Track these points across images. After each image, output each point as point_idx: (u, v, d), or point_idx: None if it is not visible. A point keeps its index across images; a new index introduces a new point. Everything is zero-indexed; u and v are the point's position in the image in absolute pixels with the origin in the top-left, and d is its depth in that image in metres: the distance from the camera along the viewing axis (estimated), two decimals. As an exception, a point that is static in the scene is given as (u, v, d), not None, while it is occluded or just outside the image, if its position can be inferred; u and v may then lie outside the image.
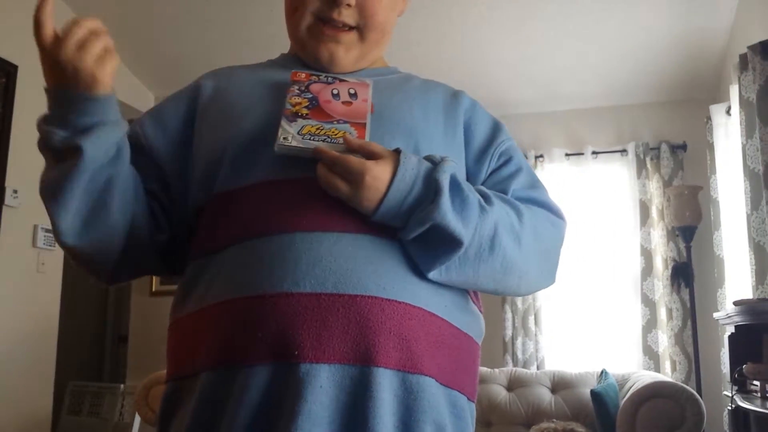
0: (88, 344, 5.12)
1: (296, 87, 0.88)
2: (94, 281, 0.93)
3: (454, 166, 0.82)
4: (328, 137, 0.82)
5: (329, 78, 0.90)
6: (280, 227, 0.79)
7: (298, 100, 0.86)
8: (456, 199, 0.79)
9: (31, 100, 3.48)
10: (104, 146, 0.80)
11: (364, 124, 0.85)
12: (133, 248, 0.88)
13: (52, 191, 0.80)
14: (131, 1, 3.58)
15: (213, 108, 0.93)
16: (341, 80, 0.90)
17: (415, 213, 0.78)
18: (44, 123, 0.79)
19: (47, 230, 3.56)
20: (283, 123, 0.82)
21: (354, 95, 0.88)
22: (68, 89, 0.77)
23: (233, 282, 0.79)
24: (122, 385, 3.99)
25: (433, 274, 0.81)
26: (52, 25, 0.77)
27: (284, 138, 0.81)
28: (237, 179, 0.84)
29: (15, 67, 3.40)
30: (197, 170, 0.90)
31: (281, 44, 1.04)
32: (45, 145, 0.80)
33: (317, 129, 0.82)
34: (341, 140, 0.81)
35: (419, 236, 0.79)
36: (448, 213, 0.77)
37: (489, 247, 0.82)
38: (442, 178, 0.78)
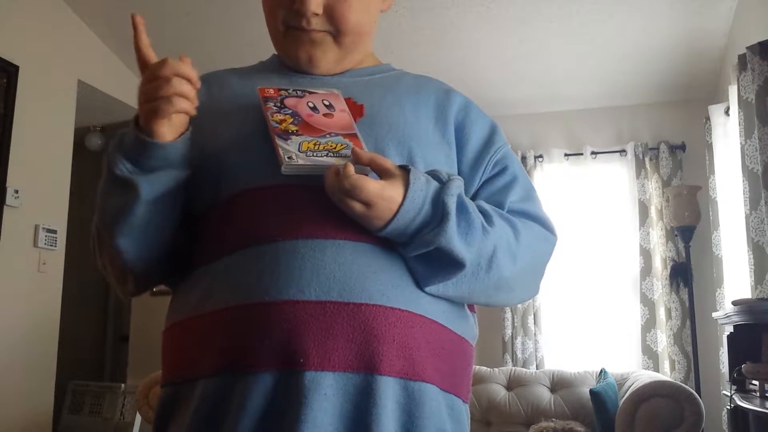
0: (89, 344, 5.13)
1: (272, 103, 0.86)
2: (122, 292, 0.95)
3: (461, 185, 0.83)
4: (330, 151, 0.81)
5: (298, 91, 0.89)
6: (283, 234, 0.80)
7: (281, 117, 0.84)
8: (462, 222, 0.80)
9: (31, 100, 3.49)
10: (160, 187, 0.83)
11: (356, 134, 0.84)
12: (167, 261, 0.91)
13: (111, 216, 0.84)
14: (132, 1, 3.59)
15: (207, 115, 0.91)
16: (311, 92, 0.89)
17: (421, 234, 0.79)
18: (117, 150, 0.83)
19: (48, 230, 3.57)
20: (279, 142, 0.80)
21: (330, 106, 0.87)
22: (143, 133, 0.81)
23: (236, 288, 0.79)
24: (123, 385, 4.00)
25: (430, 289, 0.82)
26: (151, 52, 0.83)
27: (289, 157, 0.79)
28: (236, 185, 0.85)
29: (16, 68, 3.40)
30: (198, 177, 0.90)
31: (282, 46, 1.04)
32: (109, 169, 0.83)
33: (315, 144, 0.81)
34: (344, 153, 0.81)
35: (421, 253, 0.80)
36: (453, 237, 0.78)
37: (487, 267, 0.83)
38: (450, 201, 0.79)
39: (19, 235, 3.39)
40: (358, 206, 0.77)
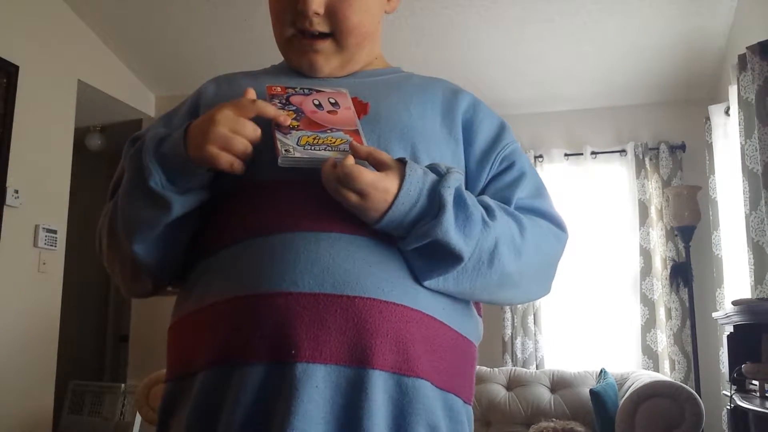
0: (89, 343, 5.13)
1: (277, 100, 0.87)
2: (129, 290, 0.95)
3: (460, 178, 0.82)
4: (328, 146, 0.81)
5: (305, 90, 0.89)
6: (280, 227, 0.80)
7: (284, 113, 0.86)
8: (460, 214, 0.79)
9: (31, 100, 3.49)
10: (189, 206, 0.84)
11: (358, 130, 0.85)
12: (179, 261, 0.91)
13: (135, 224, 0.85)
14: (132, 1, 3.59)
15: None
16: (318, 90, 0.89)
17: (417, 226, 0.78)
18: (155, 160, 0.82)
19: (48, 230, 3.57)
20: (279, 136, 0.81)
21: (335, 104, 0.88)
22: (189, 158, 0.81)
23: (232, 281, 0.80)
24: (123, 385, 4.00)
25: (429, 283, 0.81)
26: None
27: (286, 150, 0.79)
28: (236, 181, 0.85)
29: (16, 68, 3.40)
30: None
31: (282, 46, 1.04)
32: (141, 175, 0.82)
33: (314, 139, 0.82)
34: (342, 147, 0.81)
35: (419, 246, 0.79)
36: (450, 229, 0.77)
37: (488, 261, 0.82)
38: (447, 193, 0.78)
39: (19, 235, 3.39)
40: (352, 196, 0.77)
